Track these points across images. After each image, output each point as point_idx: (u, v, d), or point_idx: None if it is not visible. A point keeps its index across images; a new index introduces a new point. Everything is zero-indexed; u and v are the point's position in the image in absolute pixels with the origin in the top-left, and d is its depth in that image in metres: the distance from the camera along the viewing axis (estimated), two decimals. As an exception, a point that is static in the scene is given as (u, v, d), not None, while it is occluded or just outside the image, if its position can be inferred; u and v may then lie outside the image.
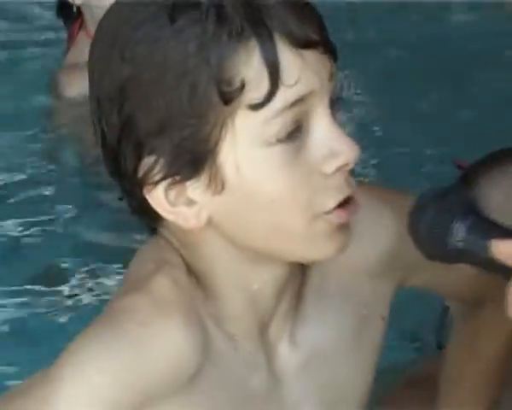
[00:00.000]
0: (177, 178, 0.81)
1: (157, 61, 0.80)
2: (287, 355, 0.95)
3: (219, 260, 0.88)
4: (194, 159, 0.81)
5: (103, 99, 0.83)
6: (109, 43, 0.83)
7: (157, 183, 0.82)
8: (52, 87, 2.89)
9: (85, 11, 2.65)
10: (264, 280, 0.89)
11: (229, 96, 0.79)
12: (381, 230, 0.98)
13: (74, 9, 2.70)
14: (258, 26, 0.79)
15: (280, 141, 0.81)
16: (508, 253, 0.81)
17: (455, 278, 1.06)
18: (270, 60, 0.79)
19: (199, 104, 0.79)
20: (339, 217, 0.84)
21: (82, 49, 2.43)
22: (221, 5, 0.79)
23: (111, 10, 0.87)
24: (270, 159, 0.82)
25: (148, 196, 0.83)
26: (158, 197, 0.83)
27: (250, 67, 0.79)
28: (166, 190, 0.82)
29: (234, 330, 0.90)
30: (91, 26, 2.57)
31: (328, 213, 0.84)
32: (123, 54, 0.81)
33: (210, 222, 0.84)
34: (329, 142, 0.83)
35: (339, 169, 0.83)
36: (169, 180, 0.81)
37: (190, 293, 0.87)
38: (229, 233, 0.86)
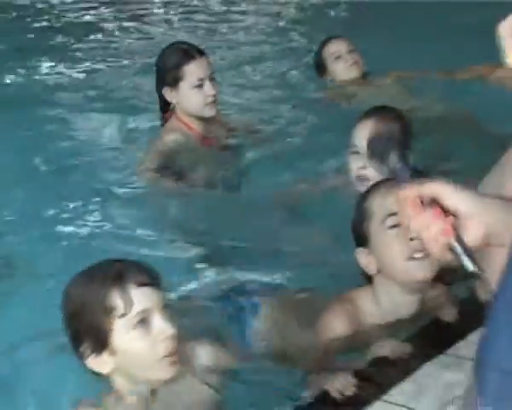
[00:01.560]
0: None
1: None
2: None
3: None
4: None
5: None
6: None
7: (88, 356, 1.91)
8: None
9: (178, 106, 3.49)
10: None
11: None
12: None
13: (171, 104, 3.52)
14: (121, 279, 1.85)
15: (135, 328, 1.85)
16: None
17: None
18: (127, 294, 1.84)
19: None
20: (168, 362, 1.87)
21: (172, 130, 3.51)
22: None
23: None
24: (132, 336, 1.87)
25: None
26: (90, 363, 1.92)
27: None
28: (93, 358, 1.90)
29: None
30: (181, 114, 3.50)
31: (160, 360, 1.86)
32: None
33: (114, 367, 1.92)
34: (160, 329, 1.85)
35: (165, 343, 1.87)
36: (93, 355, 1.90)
37: None
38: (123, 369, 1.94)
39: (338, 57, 4.44)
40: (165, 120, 3.55)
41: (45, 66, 6.15)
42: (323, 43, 4.55)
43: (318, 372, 2.18)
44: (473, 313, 2.24)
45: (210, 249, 3.16)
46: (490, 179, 2.51)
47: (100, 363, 1.87)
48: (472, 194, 1.50)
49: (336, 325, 2.30)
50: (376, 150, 1.70)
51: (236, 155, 3.77)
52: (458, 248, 1.44)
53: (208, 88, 3.42)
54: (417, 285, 2.30)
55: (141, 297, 1.83)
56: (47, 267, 3.10)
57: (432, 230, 1.47)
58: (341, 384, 2.13)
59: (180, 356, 1.92)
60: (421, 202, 1.45)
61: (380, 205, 2.26)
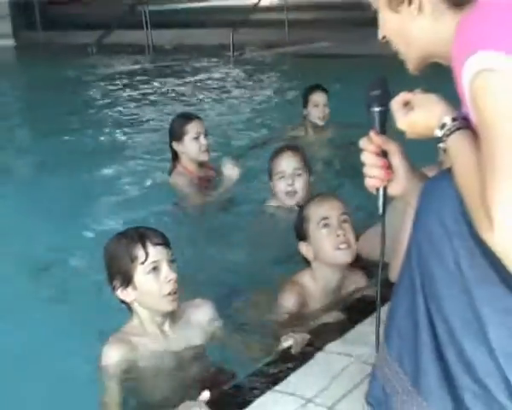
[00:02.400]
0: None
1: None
2: None
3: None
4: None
5: None
6: None
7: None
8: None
9: (181, 156, 4.55)
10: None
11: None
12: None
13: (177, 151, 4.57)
14: (142, 238, 2.58)
15: (149, 273, 2.58)
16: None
17: None
18: (147, 250, 2.57)
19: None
20: (170, 299, 2.61)
21: (178, 174, 4.57)
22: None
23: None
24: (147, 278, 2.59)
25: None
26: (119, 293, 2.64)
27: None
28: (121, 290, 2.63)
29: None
30: (184, 161, 4.55)
31: (165, 296, 2.60)
32: None
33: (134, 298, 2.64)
34: (166, 274, 2.58)
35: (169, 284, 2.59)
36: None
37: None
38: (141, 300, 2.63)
39: (316, 106, 5.50)
40: (173, 167, 4.55)
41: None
42: (310, 90, 5.59)
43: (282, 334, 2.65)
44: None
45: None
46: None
47: (125, 294, 2.61)
48: (409, 166, 1.84)
49: (287, 298, 2.94)
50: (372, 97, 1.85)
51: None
52: (381, 194, 1.85)
53: (202, 140, 4.43)
54: (341, 267, 2.94)
55: (155, 252, 2.57)
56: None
57: (374, 171, 1.85)
58: (301, 339, 2.59)
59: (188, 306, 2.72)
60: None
61: (315, 212, 2.92)
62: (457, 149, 1.63)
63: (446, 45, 1.63)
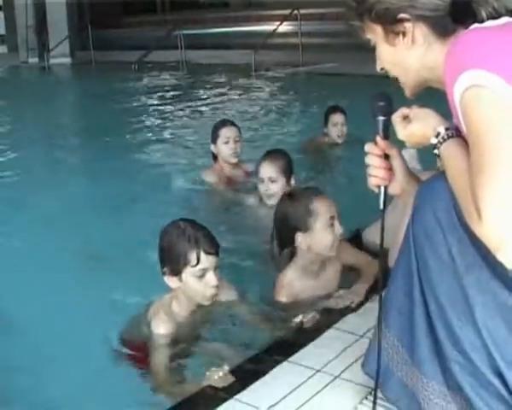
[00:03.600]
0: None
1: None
2: None
3: None
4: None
5: None
6: None
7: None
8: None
9: (218, 156, 4.51)
10: None
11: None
12: None
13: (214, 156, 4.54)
14: (198, 245, 2.51)
15: (197, 276, 2.55)
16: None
17: None
18: (199, 257, 2.49)
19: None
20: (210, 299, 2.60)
21: (213, 170, 4.57)
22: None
23: None
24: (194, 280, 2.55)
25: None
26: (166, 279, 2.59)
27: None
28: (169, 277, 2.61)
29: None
30: (220, 161, 4.49)
31: (206, 297, 2.59)
32: None
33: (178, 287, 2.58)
34: (210, 281, 2.53)
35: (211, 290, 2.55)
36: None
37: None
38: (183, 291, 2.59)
39: (335, 125, 5.41)
40: (215, 161, 4.53)
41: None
42: (330, 110, 5.50)
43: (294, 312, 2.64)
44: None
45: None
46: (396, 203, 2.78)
47: (171, 281, 2.54)
48: (406, 169, 1.85)
49: (281, 296, 2.86)
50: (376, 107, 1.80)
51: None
52: (382, 192, 1.81)
53: (231, 144, 4.37)
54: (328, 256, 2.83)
55: (205, 260, 2.48)
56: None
57: (378, 171, 1.80)
58: (311, 317, 2.57)
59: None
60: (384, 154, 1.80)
61: (325, 210, 2.78)
62: (450, 154, 1.62)
63: (438, 70, 1.64)
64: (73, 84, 14.31)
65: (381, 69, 1.81)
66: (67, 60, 17.24)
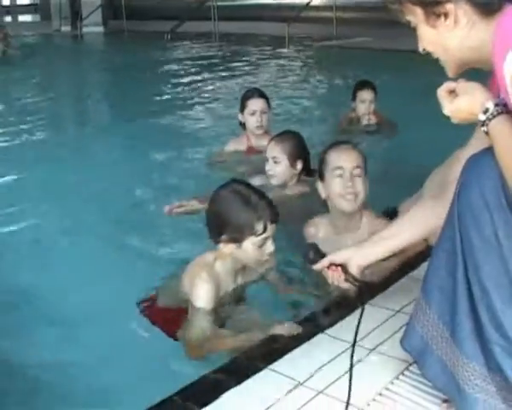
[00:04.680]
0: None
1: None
2: None
3: None
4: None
5: None
6: None
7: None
8: None
9: (246, 125, 4.41)
10: None
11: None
12: None
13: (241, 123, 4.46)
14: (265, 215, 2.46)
15: (257, 244, 2.48)
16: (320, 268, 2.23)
17: None
18: (266, 227, 2.43)
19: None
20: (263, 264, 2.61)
21: (238, 138, 4.57)
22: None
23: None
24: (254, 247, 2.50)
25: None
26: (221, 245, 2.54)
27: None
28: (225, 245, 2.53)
29: None
30: (248, 132, 4.42)
31: (262, 262, 2.58)
32: None
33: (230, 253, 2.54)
34: (268, 248, 2.51)
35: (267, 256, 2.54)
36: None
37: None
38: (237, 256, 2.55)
39: (363, 101, 5.13)
40: (243, 129, 4.47)
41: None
42: (358, 86, 5.21)
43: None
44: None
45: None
46: (432, 179, 2.88)
47: (227, 247, 2.47)
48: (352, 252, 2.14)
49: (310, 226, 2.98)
50: None
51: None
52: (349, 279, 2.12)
53: (258, 116, 4.30)
54: (347, 213, 2.86)
55: (269, 229, 2.44)
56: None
57: (336, 277, 2.13)
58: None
59: None
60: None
61: (333, 159, 2.83)
62: (500, 131, 1.57)
63: (483, 50, 1.62)
64: (105, 52, 14.32)
65: (423, 50, 1.77)
66: (100, 29, 17.27)
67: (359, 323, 1.97)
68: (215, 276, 2.51)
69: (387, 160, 4.54)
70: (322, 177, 2.90)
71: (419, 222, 2.05)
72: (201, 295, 2.45)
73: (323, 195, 2.91)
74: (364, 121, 5.18)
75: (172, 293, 2.62)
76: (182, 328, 2.44)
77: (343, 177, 2.80)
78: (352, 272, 2.13)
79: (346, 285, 2.15)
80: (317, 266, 2.20)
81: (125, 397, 2.14)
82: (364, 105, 5.13)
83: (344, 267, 2.14)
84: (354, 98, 5.21)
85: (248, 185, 2.56)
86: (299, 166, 3.57)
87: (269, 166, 3.57)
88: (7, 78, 9.88)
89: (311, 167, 3.61)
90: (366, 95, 5.12)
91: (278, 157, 3.54)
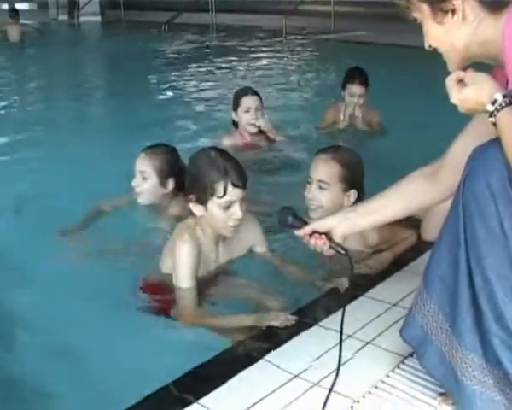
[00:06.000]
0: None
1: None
2: None
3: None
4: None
5: None
6: None
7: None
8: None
9: (238, 123, 4.38)
10: None
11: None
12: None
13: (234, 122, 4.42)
14: (226, 177, 2.46)
15: (222, 207, 2.52)
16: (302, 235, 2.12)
17: None
18: (226, 189, 2.47)
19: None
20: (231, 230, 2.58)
21: (231, 134, 4.46)
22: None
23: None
24: (219, 210, 2.55)
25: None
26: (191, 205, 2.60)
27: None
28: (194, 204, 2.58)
29: None
30: (241, 130, 4.40)
31: (228, 227, 2.56)
32: None
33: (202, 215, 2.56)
34: (235, 212, 2.52)
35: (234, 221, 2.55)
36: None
37: None
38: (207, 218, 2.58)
39: (352, 95, 4.81)
40: (235, 127, 4.43)
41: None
42: (348, 77, 4.85)
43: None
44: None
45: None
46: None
47: (196, 209, 2.54)
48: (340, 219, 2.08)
49: None
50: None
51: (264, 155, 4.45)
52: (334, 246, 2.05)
53: (252, 114, 4.30)
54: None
55: (233, 193, 2.47)
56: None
57: (320, 244, 2.06)
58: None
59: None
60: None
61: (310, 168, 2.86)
62: (508, 122, 1.56)
63: (490, 45, 1.62)
64: (102, 42, 14.24)
65: (429, 47, 1.76)
66: (97, 18, 17.19)
67: (343, 316, 2.00)
68: (196, 238, 2.56)
69: (377, 156, 4.52)
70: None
71: (408, 198, 2.02)
72: (183, 255, 2.49)
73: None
74: (349, 121, 4.92)
75: (159, 266, 2.67)
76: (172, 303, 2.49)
77: (310, 184, 2.82)
78: (335, 240, 2.07)
79: (330, 252, 2.09)
80: (300, 233, 2.10)
81: (120, 388, 2.11)
82: (352, 99, 4.83)
83: (328, 235, 2.07)
84: (344, 87, 4.88)
85: (222, 151, 2.59)
86: (171, 185, 3.19)
87: (135, 182, 3.19)
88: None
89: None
90: (355, 89, 4.80)
91: (147, 172, 3.16)
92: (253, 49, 11.00)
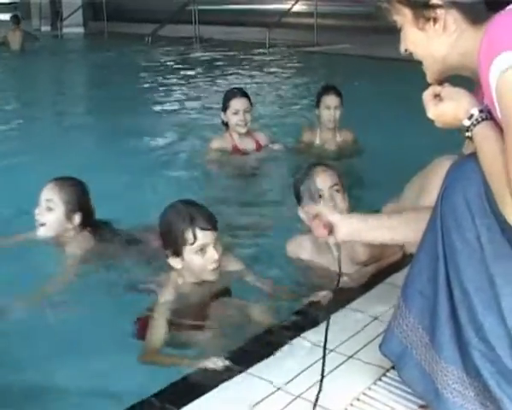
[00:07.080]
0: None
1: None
2: None
3: None
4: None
5: None
6: None
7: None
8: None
9: (229, 125, 4.49)
10: None
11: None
12: None
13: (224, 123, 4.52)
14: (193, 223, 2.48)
15: (197, 253, 2.55)
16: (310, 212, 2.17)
17: None
18: (196, 235, 2.49)
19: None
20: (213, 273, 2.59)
21: (222, 137, 4.61)
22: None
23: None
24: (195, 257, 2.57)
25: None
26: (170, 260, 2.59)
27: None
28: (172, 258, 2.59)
29: None
30: (231, 131, 4.52)
31: (209, 271, 2.56)
32: None
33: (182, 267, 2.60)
34: (211, 255, 2.53)
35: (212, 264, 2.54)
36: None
37: None
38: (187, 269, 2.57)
39: (328, 107, 4.69)
40: (226, 129, 4.53)
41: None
42: (323, 91, 4.78)
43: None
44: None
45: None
46: (411, 186, 2.90)
47: (175, 262, 2.56)
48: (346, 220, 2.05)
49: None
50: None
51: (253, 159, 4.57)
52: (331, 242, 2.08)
53: (240, 115, 4.39)
54: None
55: (202, 236, 2.49)
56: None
57: (320, 232, 2.05)
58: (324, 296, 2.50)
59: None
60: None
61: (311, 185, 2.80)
62: (484, 136, 1.58)
63: (469, 57, 1.62)
64: (85, 53, 14.24)
65: (405, 51, 1.75)
66: (80, 30, 17.18)
67: (327, 328, 2.02)
68: (178, 286, 2.60)
69: (363, 167, 4.55)
70: (299, 201, 2.83)
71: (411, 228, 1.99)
72: (162, 301, 2.55)
73: (306, 220, 2.75)
74: (326, 143, 4.85)
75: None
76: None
77: (323, 197, 2.77)
78: (336, 237, 2.05)
79: (322, 239, 2.11)
80: (310, 209, 2.24)
81: (103, 401, 2.11)
82: (329, 111, 4.71)
83: (330, 228, 2.05)
84: (318, 104, 4.78)
85: (187, 201, 2.59)
86: (77, 220, 3.07)
87: (39, 211, 3.04)
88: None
89: (91, 223, 3.14)
90: (330, 101, 4.70)
91: (53, 201, 3.03)
92: (236, 61, 11.03)
